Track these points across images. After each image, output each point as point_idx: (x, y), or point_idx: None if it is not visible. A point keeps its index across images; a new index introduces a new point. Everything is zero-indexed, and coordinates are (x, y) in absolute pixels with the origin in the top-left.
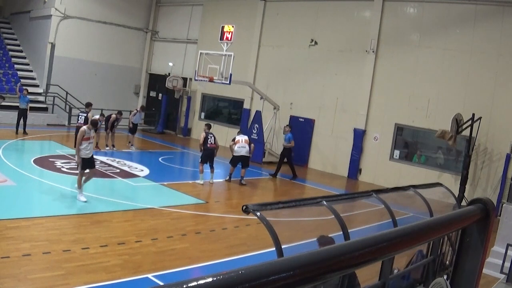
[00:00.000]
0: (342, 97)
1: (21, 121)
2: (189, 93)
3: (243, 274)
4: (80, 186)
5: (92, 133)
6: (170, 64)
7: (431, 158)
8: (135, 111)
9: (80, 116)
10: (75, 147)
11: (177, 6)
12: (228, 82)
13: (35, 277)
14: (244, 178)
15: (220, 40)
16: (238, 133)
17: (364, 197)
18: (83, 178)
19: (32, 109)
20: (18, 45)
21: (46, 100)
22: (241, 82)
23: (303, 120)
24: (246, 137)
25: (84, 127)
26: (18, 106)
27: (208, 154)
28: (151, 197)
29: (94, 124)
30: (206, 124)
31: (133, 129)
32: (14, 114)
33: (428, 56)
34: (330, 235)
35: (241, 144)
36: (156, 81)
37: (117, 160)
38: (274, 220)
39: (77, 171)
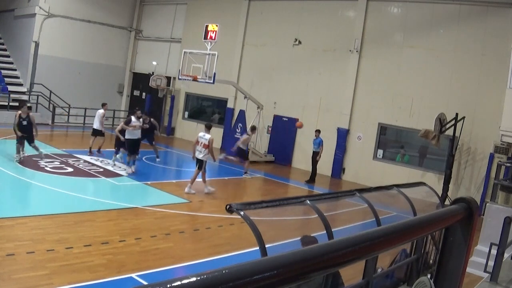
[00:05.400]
0: (325, 96)
1: None
2: (173, 92)
3: (227, 274)
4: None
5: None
6: (154, 63)
7: (414, 157)
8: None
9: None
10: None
11: (161, 5)
12: (212, 81)
13: (19, 277)
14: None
15: (204, 39)
16: (206, 130)
17: (347, 196)
18: None
19: (16, 108)
20: (2, 44)
21: (30, 99)
22: (225, 81)
23: (286, 119)
24: (206, 142)
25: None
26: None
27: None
28: (134, 197)
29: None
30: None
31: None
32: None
33: (412, 56)
34: (313, 235)
35: (199, 148)
36: (140, 80)
37: (100, 159)
38: (258, 219)
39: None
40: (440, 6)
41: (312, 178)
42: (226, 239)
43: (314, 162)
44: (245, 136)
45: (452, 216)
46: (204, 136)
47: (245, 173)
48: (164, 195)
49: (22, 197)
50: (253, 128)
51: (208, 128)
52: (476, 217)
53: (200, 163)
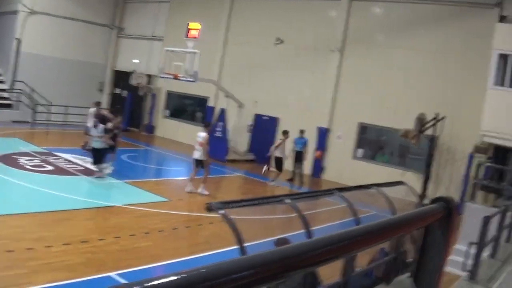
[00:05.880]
0: (306, 95)
1: None
2: (153, 90)
3: (205, 273)
4: None
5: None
6: (136, 61)
7: (395, 156)
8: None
9: None
10: None
11: (143, 3)
12: (194, 79)
13: None
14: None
15: (185, 37)
16: (207, 129)
17: (327, 195)
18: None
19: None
20: None
21: (11, 96)
22: (207, 80)
23: (267, 118)
24: (200, 140)
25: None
26: None
27: None
28: (114, 195)
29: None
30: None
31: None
32: None
33: (394, 55)
34: (292, 233)
35: (197, 147)
36: (121, 78)
37: (80, 157)
38: (237, 218)
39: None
40: (422, 6)
41: (293, 178)
42: (205, 238)
43: (298, 162)
44: (277, 142)
45: (431, 215)
46: (200, 135)
47: (272, 181)
48: (144, 193)
49: (1, 195)
50: (285, 132)
51: (204, 127)
52: (455, 216)
53: (200, 163)
